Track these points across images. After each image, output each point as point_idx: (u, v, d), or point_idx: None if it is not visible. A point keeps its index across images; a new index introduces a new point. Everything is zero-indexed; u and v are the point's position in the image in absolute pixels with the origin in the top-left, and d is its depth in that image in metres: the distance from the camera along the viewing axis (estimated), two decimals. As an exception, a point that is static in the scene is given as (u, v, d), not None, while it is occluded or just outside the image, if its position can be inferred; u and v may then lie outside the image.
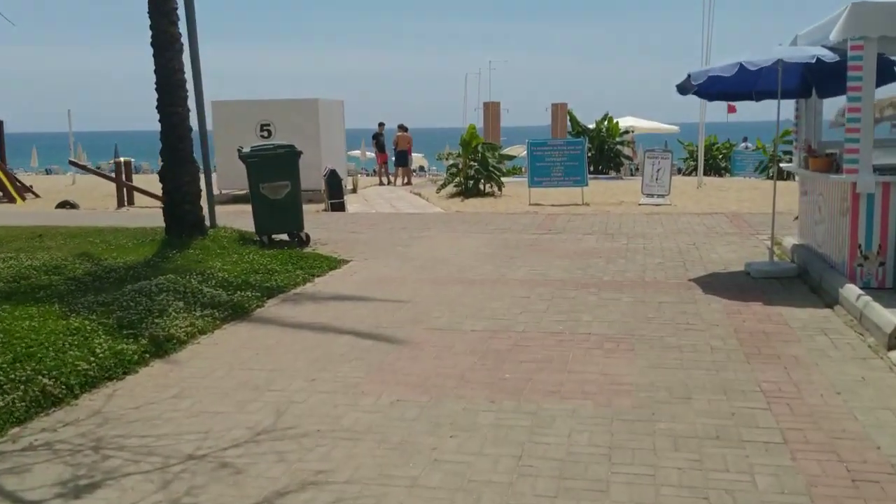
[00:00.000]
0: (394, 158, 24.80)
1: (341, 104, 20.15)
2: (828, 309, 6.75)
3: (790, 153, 26.72)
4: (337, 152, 19.79)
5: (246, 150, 10.65)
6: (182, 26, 10.26)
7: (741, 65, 7.41)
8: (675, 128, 35.92)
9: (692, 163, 30.66)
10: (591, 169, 29.60)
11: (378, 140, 24.97)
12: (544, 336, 6.06)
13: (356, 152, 38.17)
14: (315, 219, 14.16)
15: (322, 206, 16.27)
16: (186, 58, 10.46)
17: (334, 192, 15.46)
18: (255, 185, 10.46)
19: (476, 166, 19.01)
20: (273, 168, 10.43)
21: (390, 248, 10.64)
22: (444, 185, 19.24)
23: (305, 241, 10.87)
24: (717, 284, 7.87)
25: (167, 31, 9.72)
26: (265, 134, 18.78)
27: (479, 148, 19.05)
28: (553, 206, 16.36)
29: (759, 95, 9.04)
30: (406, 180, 24.53)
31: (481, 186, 19.17)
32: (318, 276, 8.75)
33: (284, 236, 10.96)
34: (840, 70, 7.38)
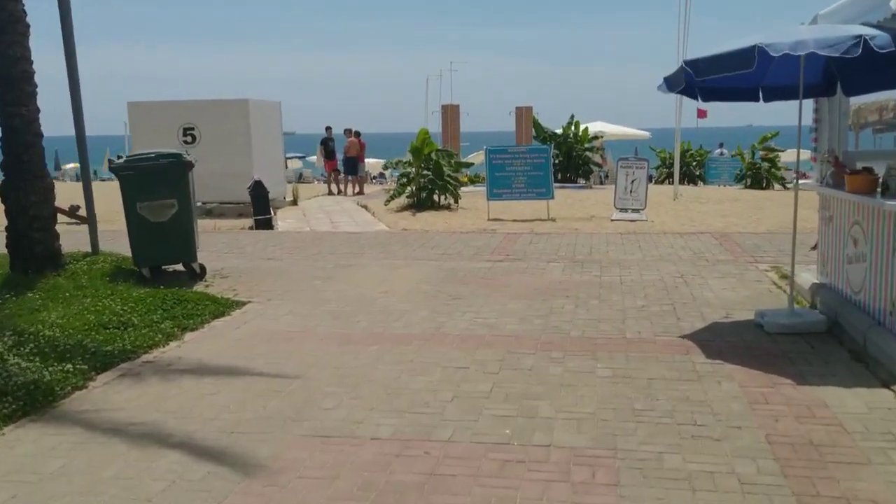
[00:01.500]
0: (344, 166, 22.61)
1: (278, 105, 17.91)
2: (887, 390, 4.75)
3: (771, 162, 25.15)
4: (273, 160, 17.56)
5: (121, 160, 8.43)
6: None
7: (759, 50, 5.38)
8: (647, 133, 34.25)
9: (665, 170, 28.91)
10: (559, 177, 27.71)
11: (326, 146, 22.79)
12: (480, 454, 3.96)
13: (314, 158, 35.91)
14: (232, 240, 11.94)
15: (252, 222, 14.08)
16: (55, 49, 8.22)
17: (259, 207, 13.25)
18: (130, 205, 8.25)
19: (429, 176, 16.91)
20: (154, 183, 8.23)
21: (307, 283, 8.49)
22: (393, 197, 17.10)
23: (200, 274, 8.68)
24: (724, 345, 5.83)
25: (3, 6, 7.46)
26: (188, 139, 16.51)
27: (433, 155, 16.95)
28: (515, 221, 14.32)
29: (767, 93, 7.06)
30: (358, 189, 22.36)
31: (435, 198, 17.08)
32: (193, 328, 6.57)
33: (180, 266, 8.77)
34: (876, 60, 5.42)
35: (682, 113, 19.29)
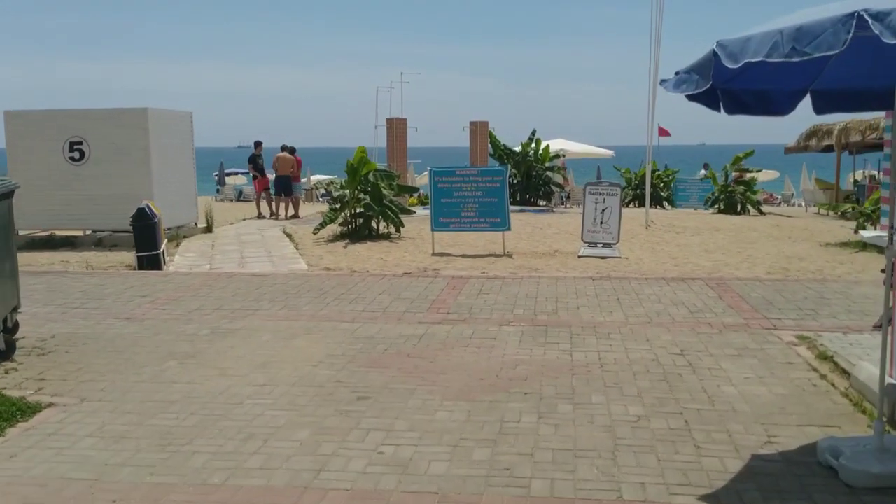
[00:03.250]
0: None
1: (188, 116, 15.25)
2: None
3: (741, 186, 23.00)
4: (180, 179, 14.88)
5: None
6: None
7: (859, 15, 3.05)
8: (610, 152, 32.23)
9: (631, 192, 26.88)
10: (517, 198, 25.44)
11: (255, 163, 20.17)
12: None
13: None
14: (96, 287, 9.29)
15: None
16: None
17: (144, 242, 10.60)
18: None
19: (366, 200, 14.45)
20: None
21: (154, 367, 5.92)
22: (323, 224, 14.57)
23: (3, 352, 6.06)
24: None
25: None
26: (76, 155, 13.79)
27: (371, 176, 14.49)
28: (464, 257, 11.91)
29: (821, 99, 4.75)
30: (292, 212, 19.77)
31: (374, 226, 14.63)
32: (-88, 474, 3.98)
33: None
34: None
35: (646, 131, 17.17)
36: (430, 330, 7.06)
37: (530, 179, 25.01)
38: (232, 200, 36.44)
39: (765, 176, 32.73)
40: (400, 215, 14.74)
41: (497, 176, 12.30)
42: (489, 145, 25.03)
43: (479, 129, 21.92)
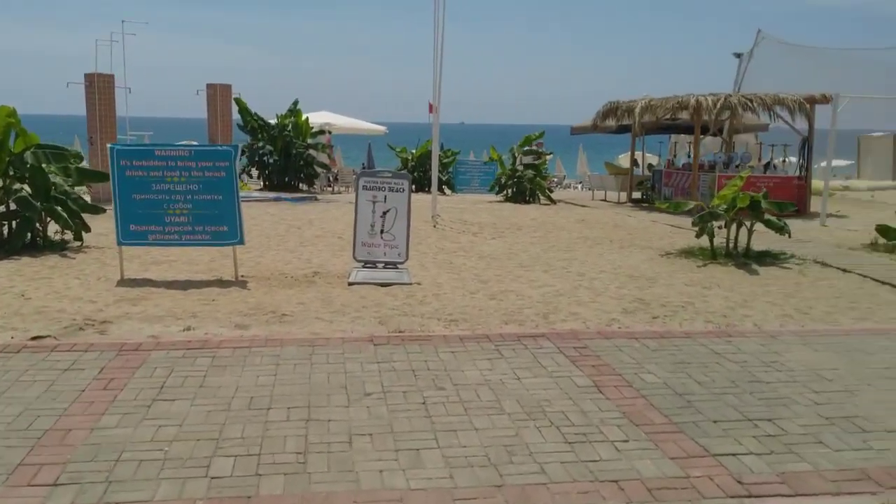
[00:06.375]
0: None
1: None
2: None
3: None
4: None
5: None
6: None
7: None
8: (382, 128, 28.57)
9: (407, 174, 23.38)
10: (274, 182, 20.94)
11: None
12: None
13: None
14: None
15: None
16: None
17: None
18: None
19: (22, 193, 9.37)
20: None
21: None
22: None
23: None
24: None
25: None
26: None
27: (28, 156, 9.39)
28: (169, 288, 7.43)
29: None
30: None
31: (41, 230, 9.60)
32: None
33: None
34: None
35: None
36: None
37: (290, 159, 20.61)
38: None
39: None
40: (84, 214, 9.83)
41: (221, 160, 7.87)
42: (238, 116, 20.28)
43: (218, 94, 17.05)
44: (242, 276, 8.14)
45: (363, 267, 8.28)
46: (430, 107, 23.64)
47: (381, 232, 8.29)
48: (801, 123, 16.56)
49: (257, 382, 4.73)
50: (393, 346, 5.54)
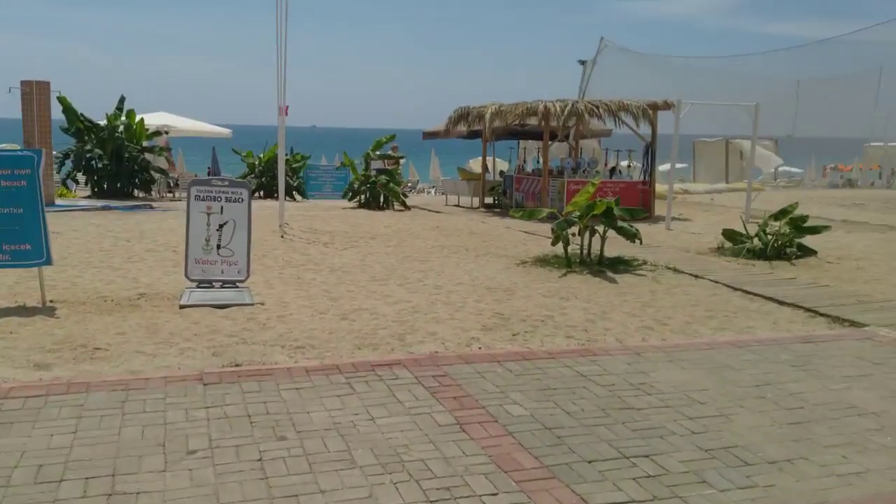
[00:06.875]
0: None
1: None
2: None
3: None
4: None
5: None
6: None
7: None
8: (227, 131, 27.04)
9: (255, 180, 22.22)
10: (105, 188, 19.20)
11: None
12: None
13: None
14: None
15: None
16: None
17: None
18: None
19: None
20: None
21: None
22: None
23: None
24: None
25: None
26: None
27: None
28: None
29: None
30: None
31: None
32: None
33: None
34: None
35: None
36: None
37: (122, 163, 18.95)
38: None
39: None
40: None
41: (21, 167, 6.72)
42: (61, 116, 18.39)
43: (35, 92, 15.28)
44: (51, 301, 7.03)
45: (197, 287, 7.38)
46: (282, 109, 22.56)
47: (218, 247, 7.42)
48: (644, 129, 17.02)
49: (50, 444, 3.85)
50: (226, 385, 4.78)
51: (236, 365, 5.27)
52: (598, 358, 5.60)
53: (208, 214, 7.40)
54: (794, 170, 37.68)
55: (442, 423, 4.25)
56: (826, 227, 11.34)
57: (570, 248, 9.73)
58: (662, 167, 22.32)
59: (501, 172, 21.13)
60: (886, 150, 32.90)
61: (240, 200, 7.48)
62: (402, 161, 20.37)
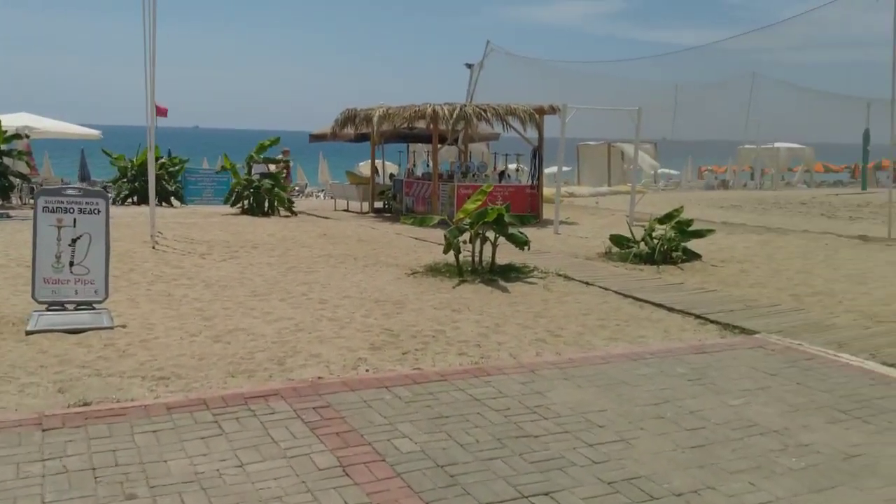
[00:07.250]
0: None
1: None
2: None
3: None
4: None
5: None
6: None
7: None
8: (96, 132, 25.31)
9: (127, 185, 20.85)
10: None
11: None
12: None
13: None
14: None
15: None
16: None
17: None
18: None
19: None
20: None
21: None
22: None
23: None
24: None
25: None
26: None
27: None
28: None
29: None
30: None
31: None
32: None
33: None
34: None
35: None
36: None
37: (-26, 169, 17.33)
38: None
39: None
40: None
41: None
42: None
43: None
44: None
45: (47, 310, 6.57)
46: (159, 109, 21.21)
47: (71, 264, 6.63)
48: (531, 133, 17.03)
49: None
50: (70, 431, 4.13)
51: (84, 404, 4.60)
52: (493, 378, 5.27)
53: (59, 228, 6.60)
54: (672, 172, 39.14)
55: (322, 467, 3.78)
56: (710, 231, 11.55)
57: (461, 256, 9.43)
58: (549, 170, 22.54)
59: (391, 176, 20.73)
60: (759, 151, 34.65)
61: (96, 212, 6.71)
62: (290, 165, 19.59)
